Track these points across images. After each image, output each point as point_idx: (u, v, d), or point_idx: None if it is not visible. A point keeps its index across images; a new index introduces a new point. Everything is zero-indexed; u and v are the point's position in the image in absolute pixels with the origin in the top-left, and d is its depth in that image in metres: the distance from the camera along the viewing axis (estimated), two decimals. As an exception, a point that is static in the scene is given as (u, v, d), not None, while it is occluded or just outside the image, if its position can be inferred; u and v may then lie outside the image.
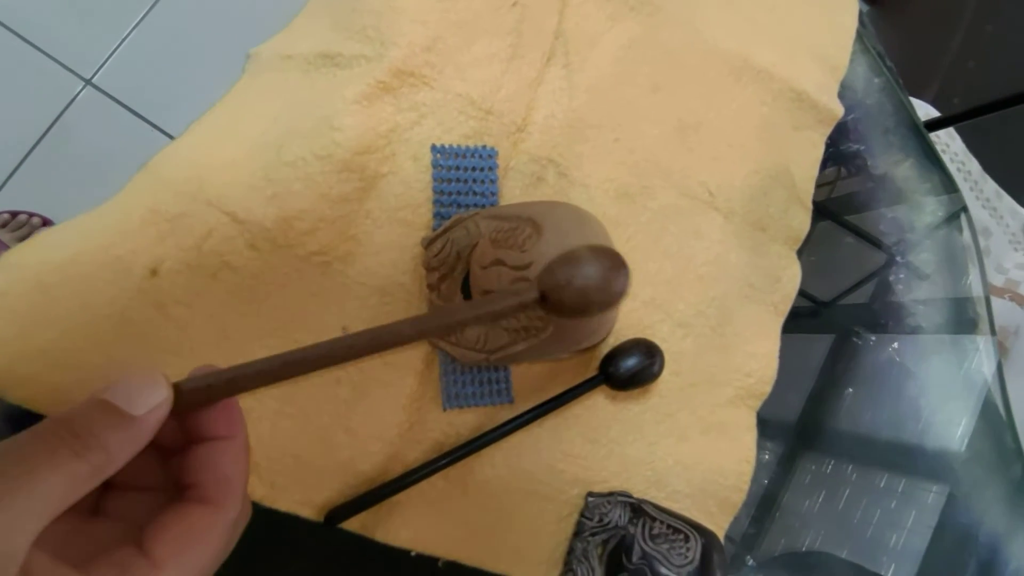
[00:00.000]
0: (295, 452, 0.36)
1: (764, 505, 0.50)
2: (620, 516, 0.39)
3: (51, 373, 0.33)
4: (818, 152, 0.51)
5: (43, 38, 1.00)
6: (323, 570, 0.37)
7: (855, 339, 0.58)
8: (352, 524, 0.37)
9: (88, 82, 1.01)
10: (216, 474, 0.22)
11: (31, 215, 0.95)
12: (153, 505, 0.22)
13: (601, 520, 0.40)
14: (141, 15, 1.04)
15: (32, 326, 0.33)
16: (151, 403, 0.20)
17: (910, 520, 0.56)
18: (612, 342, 0.42)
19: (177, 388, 0.21)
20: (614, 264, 0.27)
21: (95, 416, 0.19)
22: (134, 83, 1.02)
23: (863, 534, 0.55)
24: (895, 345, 0.59)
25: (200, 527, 0.21)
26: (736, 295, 0.47)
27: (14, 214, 0.94)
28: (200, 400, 0.22)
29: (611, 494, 0.41)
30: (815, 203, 0.51)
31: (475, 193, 0.40)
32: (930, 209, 0.59)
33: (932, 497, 0.57)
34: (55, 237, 0.35)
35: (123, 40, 1.03)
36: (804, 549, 0.52)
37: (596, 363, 0.42)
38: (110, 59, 1.02)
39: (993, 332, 0.62)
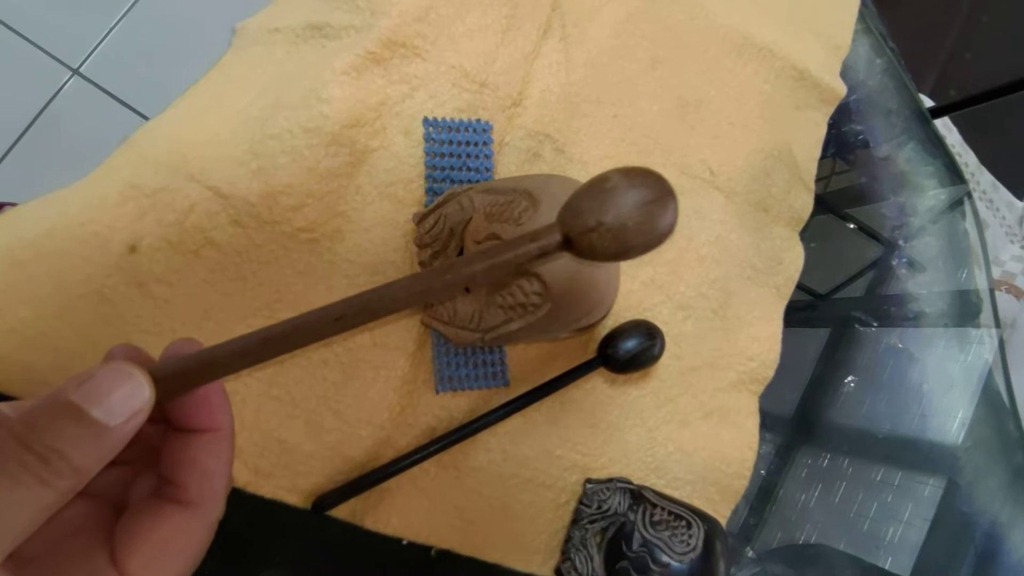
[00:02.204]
0: (281, 436, 0.35)
1: (761, 496, 0.49)
2: (620, 503, 0.38)
3: (24, 354, 0.31)
4: (820, 132, 0.50)
5: (29, 27, 0.98)
6: (310, 559, 0.36)
7: (857, 326, 0.57)
8: (341, 511, 0.35)
9: (75, 71, 0.99)
10: (197, 473, 0.20)
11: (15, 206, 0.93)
12: (129, 478, 0.21)
13: (600, 507, 0.38)
14: (129, 3, 1.02)
15: (4, 304, 0.31)
16: (129, 409, 0.17)
17: (907, 513, 0.55)
18: (611, 323, 0.40)
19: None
20: (658, 192, 0.21)
21: (62, 428, 0.16)
22: (122, 73, 1.00)
23: (859, 527, 0.54)
24: (895, 334, 0.58)
25: (178, 536, 0.19)
26: (738, 277, 0.45)
27: (-2, 205, 0.92)
28: (175, 389, 0.19)
29: (610, 480, 0.39)
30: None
31: (469, 168, 0.39)
32: (933, 194, 0.58)
33: (929, 490, 0.56)
34: (30, 212, 0.33)
35: (111, 29, 1.01)
36: (801, 542, 0.51)
37: (594, 345, 0.40)
38: (98, 48, 1.01)
39: (997, 323, 0.61)
